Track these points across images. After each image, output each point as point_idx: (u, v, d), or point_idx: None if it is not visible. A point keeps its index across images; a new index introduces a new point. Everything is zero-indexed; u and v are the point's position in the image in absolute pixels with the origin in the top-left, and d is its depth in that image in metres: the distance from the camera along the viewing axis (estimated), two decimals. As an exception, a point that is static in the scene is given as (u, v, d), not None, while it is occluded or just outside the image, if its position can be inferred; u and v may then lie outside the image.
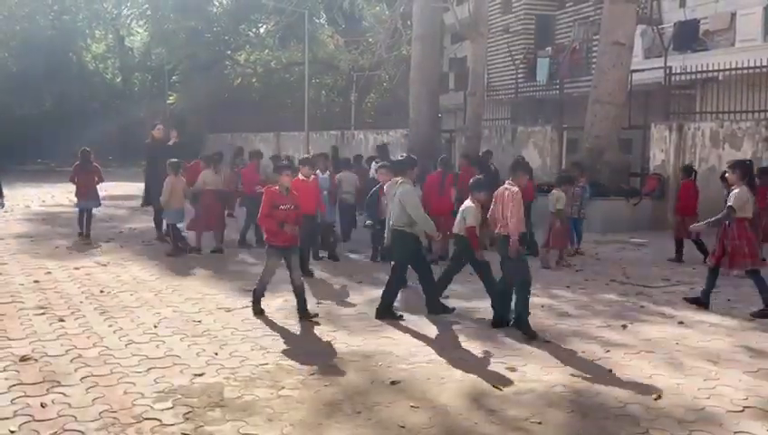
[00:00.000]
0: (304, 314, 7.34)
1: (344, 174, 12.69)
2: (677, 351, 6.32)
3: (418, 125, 21.77)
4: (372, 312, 7.48)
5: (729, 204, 7.63)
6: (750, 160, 9.02)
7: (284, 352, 6.19)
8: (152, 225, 13.07)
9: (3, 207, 12.11)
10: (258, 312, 7.49)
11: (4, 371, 5.58)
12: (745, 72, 14.80)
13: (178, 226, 11.48)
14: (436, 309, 7.56)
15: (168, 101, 39.51)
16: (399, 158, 8.27)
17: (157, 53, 42.14)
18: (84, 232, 12.75)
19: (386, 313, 7.40)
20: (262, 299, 7.62)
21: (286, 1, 28.92)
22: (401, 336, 6.72)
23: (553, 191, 10.74)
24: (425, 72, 21.67)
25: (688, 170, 11.58)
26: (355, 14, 36.32)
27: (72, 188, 13.21)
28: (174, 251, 11.10)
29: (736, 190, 7.67)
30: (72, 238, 12.77)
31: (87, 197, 12.88)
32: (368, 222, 10.49)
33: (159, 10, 38.88)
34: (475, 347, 6.43)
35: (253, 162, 13.14)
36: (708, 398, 5.15)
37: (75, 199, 13.35)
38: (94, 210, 13.30)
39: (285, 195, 7.41)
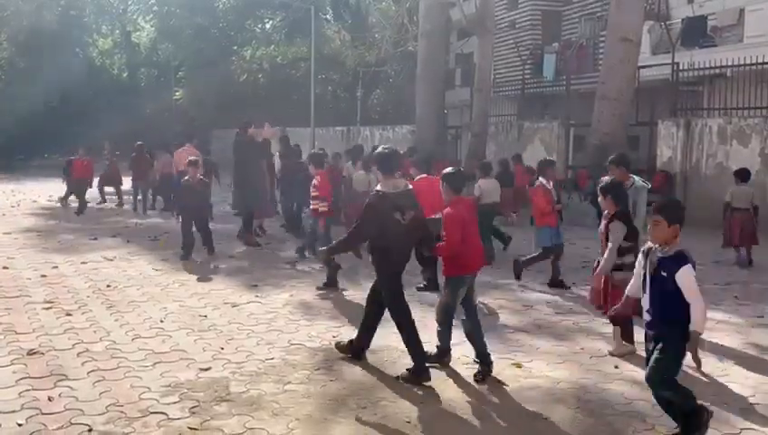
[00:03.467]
0: (486, 371, 5.49)
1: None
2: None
3: (424, 121, 21.78)
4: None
5: None
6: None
7: (290, 347, 6.19)
8: (157, 220, 13.11)
9: None
10: (447, 363, 5.76)
11: (12, 364, 5.60)
12: (754, 68, 14.72)
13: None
14: None
15: (175, 97, 39.56)
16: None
17: (163, 49, 42.22)
18: (137, 208, 16.36)
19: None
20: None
21: (292, -3, 28.92)
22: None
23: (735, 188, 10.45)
24: (431, 69, 21.66)
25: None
26: (361, 9, 36.31)
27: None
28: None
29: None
30: (79, 233, 12.88)
31: (141, 179, 16.60)
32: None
33: (166, 6, 38.97)
34: (480, 343, 6.41)
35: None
36: (715, 395, 5.13)
37: (131, 182, 16.95)
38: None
39: None
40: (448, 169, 5.87)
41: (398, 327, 5.56)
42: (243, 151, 11.86)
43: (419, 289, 8.27)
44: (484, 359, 5.51)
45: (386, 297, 5.64)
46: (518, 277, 9.02)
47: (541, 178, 9.02)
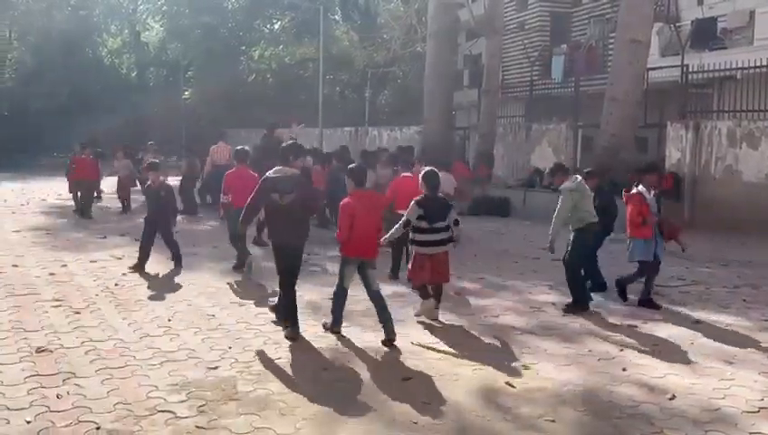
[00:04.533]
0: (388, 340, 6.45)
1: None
2: (692, 350, 6.27)
3: (432, 122, 21.73)
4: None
5: None
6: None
7: (297, 346, 6.20)
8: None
9: None
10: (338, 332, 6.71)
11: (21, 362, 5.63)
12: (764, 70, 14.63)
13: None
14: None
15: (183, 97, 39.67)
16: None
17: (172, 49, 42.30)
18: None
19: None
20: None
21: (301, -3, 28.96)
22: (413, 332, 6.70)
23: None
24: (439, 69, 21.61)
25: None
26: (370, 10, 36.34)
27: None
28: None
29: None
30: (87, 232, 12.98)
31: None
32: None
33: (175, 6, 39.08)
34: (487, 344, 6.42)
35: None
36: (723, 398, 5.11)
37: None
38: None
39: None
40: (351, 166, 6.84)
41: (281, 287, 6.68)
42: (270, 154, 11.62)
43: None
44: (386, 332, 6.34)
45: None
46: (624, 298, 8.07)
47: (640, 186, 7.92)
